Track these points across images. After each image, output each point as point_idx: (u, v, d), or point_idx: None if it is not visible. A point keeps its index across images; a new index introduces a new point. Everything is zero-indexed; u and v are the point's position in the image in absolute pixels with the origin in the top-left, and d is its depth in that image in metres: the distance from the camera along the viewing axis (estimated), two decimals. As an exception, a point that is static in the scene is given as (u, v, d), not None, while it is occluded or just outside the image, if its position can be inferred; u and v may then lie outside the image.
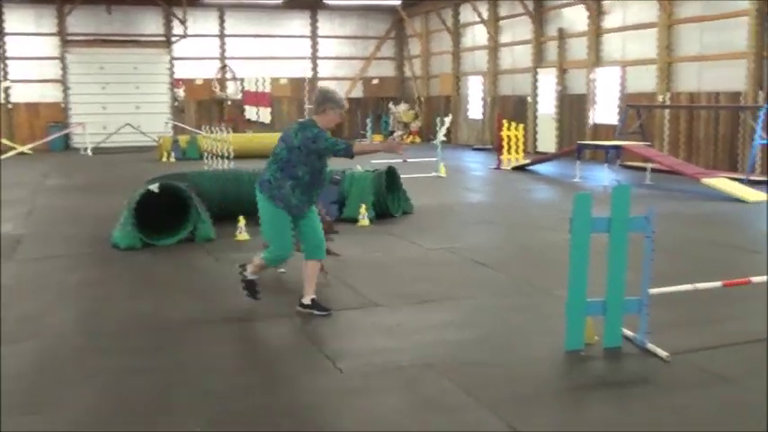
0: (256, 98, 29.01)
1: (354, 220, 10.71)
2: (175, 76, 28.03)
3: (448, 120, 21.85)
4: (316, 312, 6.40)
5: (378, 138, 28.67)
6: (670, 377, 4.94)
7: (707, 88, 17.06)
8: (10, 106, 26.68)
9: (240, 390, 4.88)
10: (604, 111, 20.60)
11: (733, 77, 16.23)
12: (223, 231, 9.79)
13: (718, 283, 5.93)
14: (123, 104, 26.58)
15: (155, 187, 9.30)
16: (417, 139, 28.36)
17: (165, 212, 9.65)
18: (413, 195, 11.95)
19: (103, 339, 5.97)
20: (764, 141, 14.90)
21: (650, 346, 5.34)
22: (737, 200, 12.66)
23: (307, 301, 6.47)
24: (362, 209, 10.72)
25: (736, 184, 13.55)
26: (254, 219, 9.83)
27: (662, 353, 5.23)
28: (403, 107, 29.48)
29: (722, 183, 13.52)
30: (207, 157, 17.49)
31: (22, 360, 5.48)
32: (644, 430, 4.18)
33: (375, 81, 31.31)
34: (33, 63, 26.83)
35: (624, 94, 19.56)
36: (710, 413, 4.41)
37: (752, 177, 14.52)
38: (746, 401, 4.52)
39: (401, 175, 11.80)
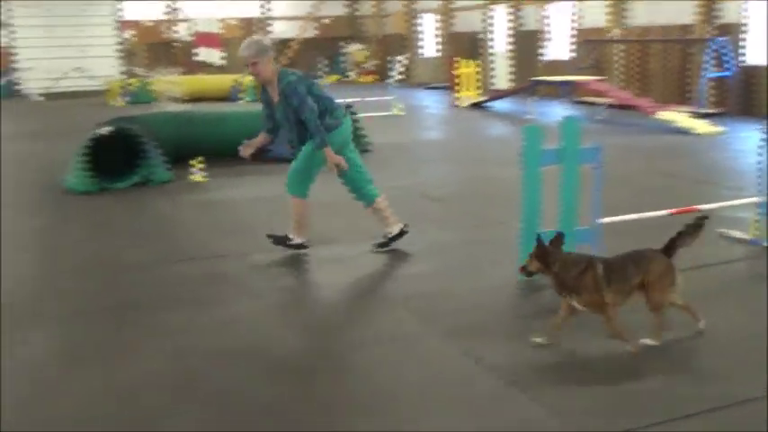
0: (207, 40, 28.47)
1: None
2: (124, 18, 27.35)
3: (402, 58, 21.86)
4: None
5: (333, 78, 28.47)
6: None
7: (660, 22, 17.18)
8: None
9: (195, 325, 4.95)
10: (557, 47, 20.66)
11: (683, 11, 16.36)
12: (180, 173, 9.74)
13: (666, 212, 6.11)
14: (71, 48, 25.90)
15: (106, 130, 9.19)
16: (372, 79, 28.19)
17: (120, 156, 9.56)
18: (369, 134, 11.96)
19: (61, 282, 5.98)
20: (713, 75, 15.13)
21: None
22: (689, 132, 12.89)
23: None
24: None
25: (688, 117, 13.77)
26: (210, 160, 9.89)
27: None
28: (356, 47, 29.23)
29: (674, 116, 13.74)
30: (160, 100, 17.21)
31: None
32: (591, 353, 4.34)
33: (327, 21, 30.91)
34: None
35: (577, 30, 19.60)
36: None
37: (702, 110, 14.76)
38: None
39: (357, 114, 11.78)
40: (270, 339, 4.73)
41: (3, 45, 26.00)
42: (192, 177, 9.63)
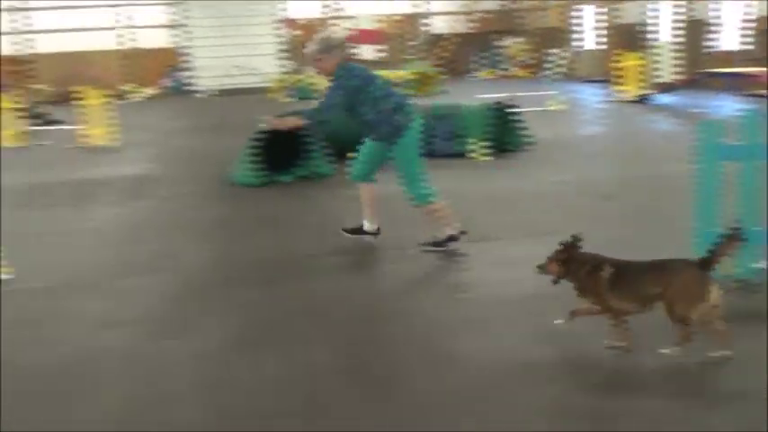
0: (366, 36, 28.97)
1: (466, 155, 10.66)
2: (288, 16, 28.26)
3: (560, 52, 21.39)
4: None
5: (488, 73, 28.26)
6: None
7: None
8: (132, 51, 27.69)
9: (364, 320, 5.05)
10: (728, 37, 19.58)
11: None
12: (341, 168, 9.96)
13: None
14: (239, 46, 27.03)
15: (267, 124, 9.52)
16: (528, 73, 27.77)
17: (285, 150, 9.90)
18: (529, 129, 11.79)
19: (234, 271, 6.27)
20: None
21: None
22: None
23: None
24: (476, 143, 10.67)
25: None
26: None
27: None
28: (512, 40, 28.86)
29: None
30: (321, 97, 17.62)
31: (159, 290, 5.83)
32: None
33: (483, 15, 30.68)
34: (154, 8, 27.64)
35: (754, 18, 18.49)
36: None
37: None
38: None
39: (518, 110, 11.65)
40: (434, 333, 4.76)
41: (176, 44, 27.53)
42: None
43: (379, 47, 28.48)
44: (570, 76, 25.82)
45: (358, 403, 3.89)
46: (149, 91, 25.27)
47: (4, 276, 6.18)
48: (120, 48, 27.66)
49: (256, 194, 9.17)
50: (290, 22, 28.46)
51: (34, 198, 9.66)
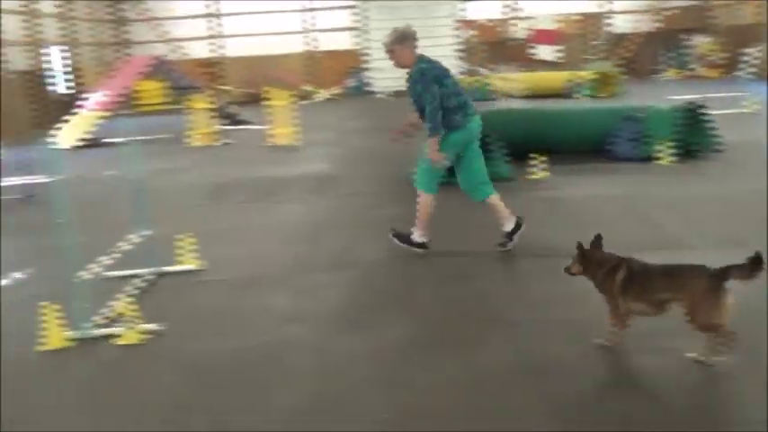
0: (544, 36, 28.46)
1: (655, 159, 10.18)
2: (466, 17, 28.28)
3: (755, 50, 20.07)
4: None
5: (674, 72, 27.01)
6: None
7: None
8: (315, 54, 28.71)
9: (552, 323, 4.90)
10: None
11: None
12: (519, 170, 9.81)
13: None
14: (416, 48, 27.29)
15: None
16: (719, 73, 26.24)
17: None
18: (719, 133, 11.11)
19: (413, 269, 6.29)
20: None
21: None
22: None
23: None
24: (663, 146, 10.16)
25: None
26: (550, 157, 9.85)
27: None
28: (702, 39, 27.38)
29: None
30: (499, 97, 17.52)
31: (342, 286, 5.94)
32: None
33: (671, 12, 29.32)
34: (335, 12, 28.52)
35: None
36: None
37: None
38: None
39: (710, 111, 11.00)
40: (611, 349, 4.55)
41: (358, 46, 28.22)
42: (532, 174, 9.65)
43: (558, 47, 27.87)
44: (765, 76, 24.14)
45: (535, 403, 3.79)
46: (330, 92, 26.05)
47: (194, 267, 6.53)
48: (305, 50, 28.73)
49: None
50: (468, 23, 28.46)
51: (223, 194, 10.17)
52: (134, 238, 6.24)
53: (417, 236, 6.57)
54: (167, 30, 29.23)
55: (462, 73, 25.66)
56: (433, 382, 4.16)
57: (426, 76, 6.15)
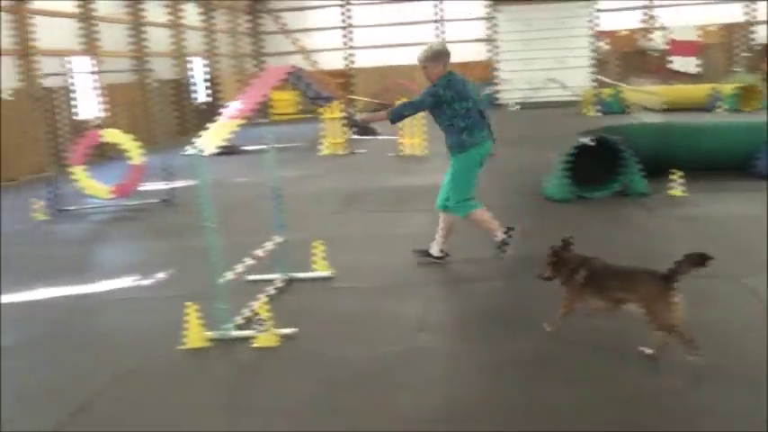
0: (683, 47, 27.48)
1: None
2: (599, 29, 27.68)
3: None
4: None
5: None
6: None
7: None
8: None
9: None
10: None
11: None
12: (655, 186, 9.50)
13: None
14: (546, 60, 26.95)
15: (589, 140, 9.32)
16: None
17: (596, 166, 9.64)
18: None
19: (542, 285, 6.17)
20: None
21: None
22: None
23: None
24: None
25: None
26: (688, 174, 9.48)
27: None
28: None
29: None
30: (633, 110, 17.04)
31: (470, 298, 5.92)
32: None
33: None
34: (465, 24, 28.55)
35: None
36: None
37: None
38: None
39: None
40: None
41: (488, 58, 28.13)
42: (670, 191, 9.32)
43: (698, 58, 26.87)
44: None
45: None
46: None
47: (326, 274, 6.66)
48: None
49: (566, 209, 9.02)
50: (603, 34, 27.84)
51: (353, 203, 10.34)
52: (270, 243, 6.42)
53: (436, 251, 6.95)
54: (301, 41, 30.05)
55: (596, 85, 25.09)
56: (557, 406, 4.07)
57: (431, 90, 6.60)
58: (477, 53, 28.67)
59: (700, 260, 4.28)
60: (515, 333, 5.11)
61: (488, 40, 28.35)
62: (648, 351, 4.50)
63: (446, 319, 5.47)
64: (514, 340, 4.99)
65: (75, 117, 16.70)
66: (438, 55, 6.66)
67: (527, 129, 19.06)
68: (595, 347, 4.80)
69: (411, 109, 6.82)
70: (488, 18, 28.20)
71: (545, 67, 26.43)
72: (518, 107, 24.99)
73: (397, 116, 6.71)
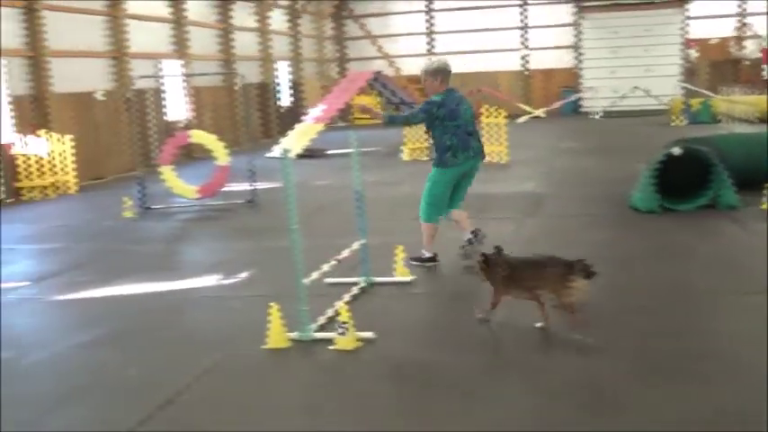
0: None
1: None
2: (688, 36, 26.99)
3: None
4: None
5: None
6: None
7: None
8: (527, 72, 28.56)
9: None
10: None
11: None
12: (747, 199, 9.18)
13: None
14: (633, 68, 26.42)
15: (677, 150, 9.09)
16: None
17: (684, 177, 9.38)
18: None
19: (627, 298, 6.05)
20: None
21: None
22: None
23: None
24: None
25: None
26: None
27: None
28: None
29: None
30: (724, 121, 16.55)
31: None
32: None
33: None
34: (550, 30, 28.22)
35: None
36: None
37: None
38: None
39: None
40: None
41: (573, 66, 27.73)
42: (762, 205, 9.00)
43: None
44: None
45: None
46: (543, 110, 25.75)
47: (406, 279, 6.67)
48: (520, 69, 28.67)
49: (653, 220, 8.81)
50: (693, 42, 27.14)
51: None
52: (352, 246, 6.46)
53: (426, 252, 7.27)
54: (384, 46, 30.20)
55: (684, 94, 24.44)
56: (650, 423, 3.97)
57: (424, 105, 7.03)
58: (561, 60, 28.29)
59: (589, 273, 5.08)
60: (606, 347, 5.01)
61: (573, 47, 27.96)
62: (539, 324, 5.26)
63: (529, 330, 5.39)
64: (607, 354, 4.89)
65: (164, 118, 17.19)
66: (436, 71, 7.08)
67: (613, 138, 18.72)
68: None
69: (403, 121, 7.86)
70: (574, 25, 27.82)
71: (632, 75, 25.91)
72: (598, 115, 24.54)
73: (390, 122, 7.31)
